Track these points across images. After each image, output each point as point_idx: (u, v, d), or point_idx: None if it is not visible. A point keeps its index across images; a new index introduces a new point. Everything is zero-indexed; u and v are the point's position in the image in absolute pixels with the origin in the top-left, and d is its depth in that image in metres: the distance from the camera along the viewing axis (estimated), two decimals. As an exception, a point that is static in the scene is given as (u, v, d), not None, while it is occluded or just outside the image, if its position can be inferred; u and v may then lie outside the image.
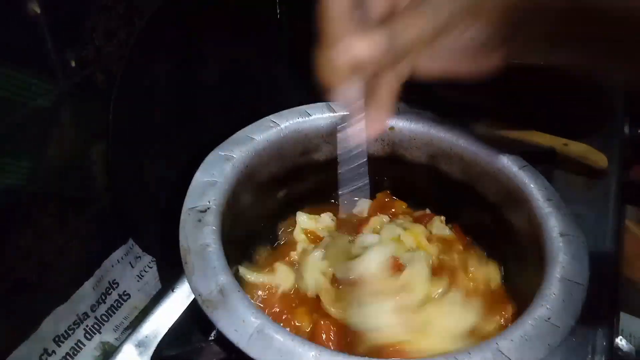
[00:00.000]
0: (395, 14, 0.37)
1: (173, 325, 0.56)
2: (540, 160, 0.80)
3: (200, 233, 0.44)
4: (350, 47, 0.36)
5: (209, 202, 0.47)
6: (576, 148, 0.88)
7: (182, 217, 0.46)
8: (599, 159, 0.87)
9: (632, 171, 1.06)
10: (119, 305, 0.78)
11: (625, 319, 0.89)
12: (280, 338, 0.37)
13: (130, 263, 0.81)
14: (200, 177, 0.50)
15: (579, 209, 0.82)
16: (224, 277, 0.41)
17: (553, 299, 0.40)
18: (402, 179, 0.63)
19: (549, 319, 0.39)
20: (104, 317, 0.77)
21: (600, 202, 0.84)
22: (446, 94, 0.66)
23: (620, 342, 0.83)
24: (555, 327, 0.38)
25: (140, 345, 0.57)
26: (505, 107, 0.88)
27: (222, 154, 0.52)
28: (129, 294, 0.80)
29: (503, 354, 0.36)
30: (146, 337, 0.58)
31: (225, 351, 0.52)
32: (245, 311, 0.38)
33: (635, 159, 1.03)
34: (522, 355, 0.36)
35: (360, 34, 0.36)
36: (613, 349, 0.64)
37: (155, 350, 0.54)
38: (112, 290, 0.78)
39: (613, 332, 0.66)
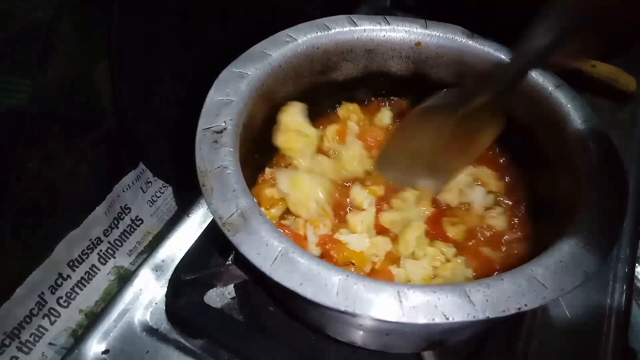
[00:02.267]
0: None
1: (189, 249, 0.55)
2: (566, 82, 0.76)
3: (217, 155, 0.42)
4: None
5: (224, 122, 0.44)
6: (604, 69, 0.83)
7: (197, 138, 0.43)
8: (628, 82, 0.82)
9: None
10: (132, 230, 0.78)
11: (642, 246, 0.88)
12: (306, 262, 0.35)
13: (141, 188, 0.79)
14: (214, 95, 0.46)
15: (606, 134, 0.79)
16: (244, 200, 0.39)
17: (590, 224, 0.38)
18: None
19: (585, 245, 0.37)
20: (117, 242, 0.77)
21: (627, 126, 0.81)
22: (476, 7, 0.61)
23: (637, 269, 0.83)
24: (592, 254, 0.37)
25: (157, 269, 0.56)
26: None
27: (237, 71, 0.49)
28: (141, 219, 0.79)
29: (538, 280, 0.35)
30: (162, 261, 0.57)
31: (246, 275, 0.52)
32: (268, 235, 0.37)
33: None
34: (558, 283, 0.35)
35: None
36: (634, 278, 0.64)
37: (172, 273, 0.54)
38: (124, 215, 0.77)
39: (635, 260, 0.65)
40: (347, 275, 0.35)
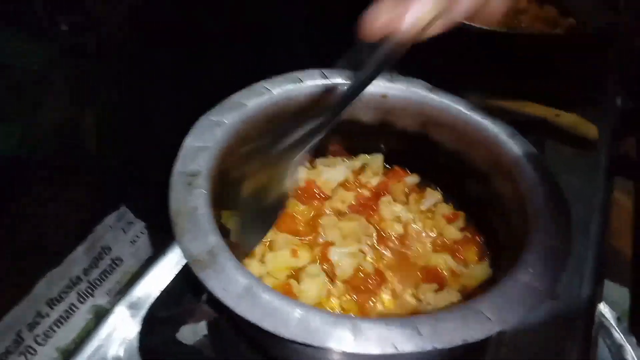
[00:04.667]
0: None
1: (165, 288, 0.57)
2: (532, 131, 0.81)
3: (190, 196, 0.45)
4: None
5: (199, 166, 0.47)
6: (567, 119, 0.88)
7: (172, 180, 0.46)
8: (590, 130, 0.87)
9: (623, 143, 1.07)
10: (112, 270, 0.79)
11: (610, 287, 0.91)
12: (268, 297, 0.38)
13: (122, 229, 0.81)
14: (191, 142, 0.50)
15: (568, 180, 0.83)
16: (213, 239, 0.41)
17: (535, 262, 0.41)
18: (393, 147, 0.63)
19: (530, 281, 0.40)
20: (96, 281, 0.78)
21: (589, 173, 0.85)
22: (440, 63, 0.66)
23: (604, 308, 0.85)
24: (536, 290, 0.39)
25: (132, 307, 0.58)
26: (499, 77, 0.88)
27: (213, 119, 0.52)
28: (121, 259, 0.81)
29: (483, 314, 0.37)
30: (138, 299, 0.59)
31: (215, 312, 0.54)
32: (234, 271, 0.39)
33: (626, 131, 1.04)
34: (502, 316, 0.37)
35: None
36: (594, 315, 0.66)
37: (147, 311, 0.55)
38: (104, 255, 0.79)
39: (595, 299, 0.68)
40: (307, 310, 0.37)
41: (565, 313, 0.62)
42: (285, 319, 0.37)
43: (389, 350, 0.36)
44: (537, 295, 0.39)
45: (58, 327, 0.71)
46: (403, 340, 0.36)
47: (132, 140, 0.70)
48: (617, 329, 0.84)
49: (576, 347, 0.60)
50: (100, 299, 0.79)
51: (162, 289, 0.57)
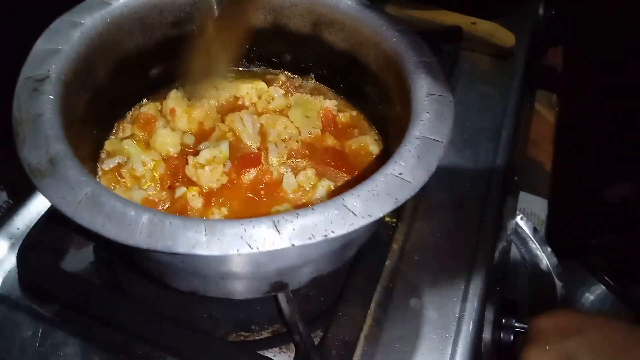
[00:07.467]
0: None
1: (43, 215, 0.53)
2: (447, 39, 0.78)
3: (34, 102, 0.40)
4: None
5: (48, 70, 0.42)
6: (484, 27, 0.85)
7: (17, 87, 0.41)
8: (506, 38, 0.85)
9: (546, 55, 1.06)
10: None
11: (528, 199, 0.92)
12: (112, 203, 0.34)
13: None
14: (42, 45, 0.44)
15: (484, 88, 0.82)
16: (56, 146, 0.37)
17: (408, 155, 0.39)
18: (288, 52, 0.59)
19: (400, 174, 0.38)
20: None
21: (505, 82, 0.83)
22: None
23: (521, 220, 0.86)
24: (407, 182, 0.37)
25: (12, 237, 0.54)
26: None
27: (70, 19, 0.47)
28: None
29: (347, 208, 0.35)
30: (18, 229, 0.55)
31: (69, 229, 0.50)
32: (75, 179, 0.35)
33: (549, 42, 1.03)
34: (367, 210, 0.35)
35: None
36: (505, 227, 0.66)
37: (24, 239, 0.51)
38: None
39: (504, 211, 0.67)
40: (154, 214, 0.34)
41: (471, 219, 0.62)
42: (130, 225, 0.33)
43: (244, 250, 0.33)
44: (408, 187, 0.37)
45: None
46: (259, 239, 0.34)
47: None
48: (532, 238, 0.86)
49: (481, 252, 0.60)
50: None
51: (41, 216, 0.53)
